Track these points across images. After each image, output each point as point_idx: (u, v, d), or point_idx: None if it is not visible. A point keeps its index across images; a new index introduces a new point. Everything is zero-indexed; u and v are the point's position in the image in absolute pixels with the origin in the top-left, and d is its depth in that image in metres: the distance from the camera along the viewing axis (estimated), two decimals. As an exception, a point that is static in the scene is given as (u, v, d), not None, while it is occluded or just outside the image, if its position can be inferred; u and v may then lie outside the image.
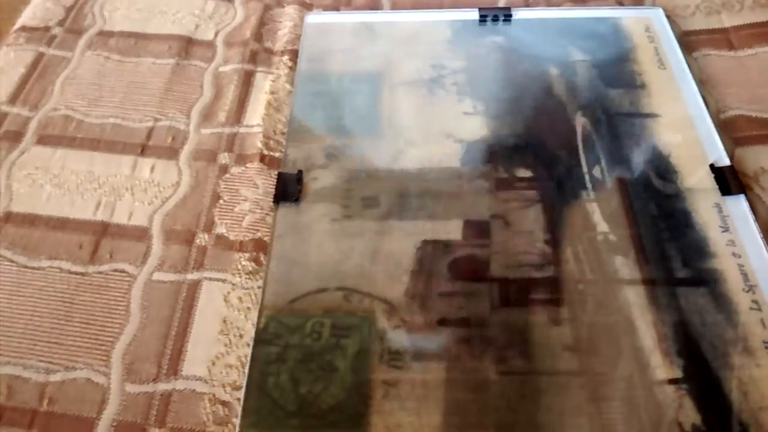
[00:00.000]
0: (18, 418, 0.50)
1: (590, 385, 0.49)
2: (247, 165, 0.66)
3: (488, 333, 0.52)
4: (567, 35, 0.76)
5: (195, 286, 0.57)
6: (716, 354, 0.50)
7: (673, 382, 0.49)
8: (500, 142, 0.65)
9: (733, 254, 0.56)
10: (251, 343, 0.53)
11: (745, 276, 0.55)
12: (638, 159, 0.63)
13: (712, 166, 0.62)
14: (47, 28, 0.80)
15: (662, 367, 0.50)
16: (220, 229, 0.61)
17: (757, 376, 0.49)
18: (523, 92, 0.70)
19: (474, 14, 0.79)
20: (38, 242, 0.60)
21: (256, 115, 0.70)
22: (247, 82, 0.74)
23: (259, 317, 0.54)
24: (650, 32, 0.76)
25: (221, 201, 0.63)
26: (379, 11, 0.82)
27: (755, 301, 0.53)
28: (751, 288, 0.54)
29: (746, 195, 0.60)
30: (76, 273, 0.58)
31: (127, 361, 0.53)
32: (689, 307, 0.53)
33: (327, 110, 0.69)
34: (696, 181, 0.61)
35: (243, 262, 0.58)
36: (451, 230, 0.59)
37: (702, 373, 0.49)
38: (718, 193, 0.60)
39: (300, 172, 0.63)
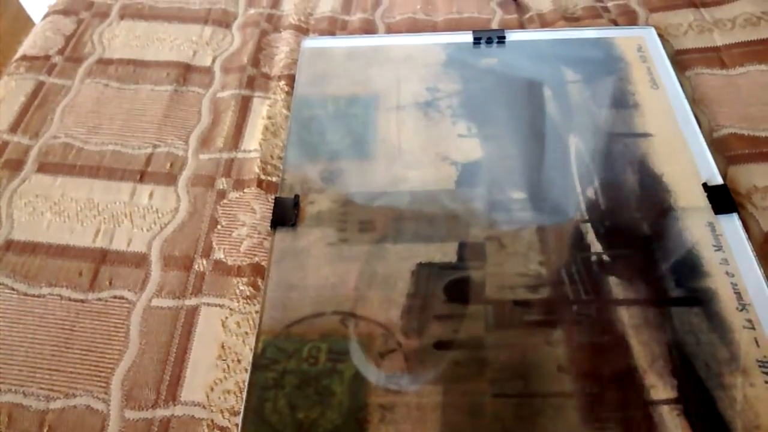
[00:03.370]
0: (18, 446, 0.51)
1: (585, 407, 0.49)
2: (245, 190, 0.66)
3: (483, 355, 0.52)
4: (560, 56, 0.77)
5: (193, 311, 0.58)
6: (711, 373, 0.51)
7: (667, 402, 0.49)
8: (495, 163, 0.66)
9: (727, 273, 0.56)
10: (249, 369, 0.53)
11: (738, 295, 0.55)
12: (631, 179, 0.64)
13: (705, 185, 0.63)
14: (47, 57, 0.81)
15: (657, 388, 0.50)
16: (218, 255, 0.61)
17: (752, 395, 0.49)
18: (517, 113, 0.70)
19: (468, 37, 0.80)
20: (38, 270, 0.61)
21: (253, 140, 0.71)
22: (244, 107, 0.75)
23: (257, 342, 0.54)
24: (643, 52, 0.77)
25: (219, 226, 0.64)
26: (374, 35, 0.83)
27: (749, 320, 0.53)
28: (744, 307, 0.54)
29: (739, 213, 0.61)
30: (76, 300, 0.59)
31: (127, 388, 0.53)
32: (683, 327, 0.53)
33: (323, 134, 0.70)
34: (689, 200, 0.62)
35: (241, 287, 0.59)
36: (447, 252, 0.59)
37: (697, 392, 0.50)
38: (711, 211, 0.61)
39: (297, 196, 0.64)
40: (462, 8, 0.87)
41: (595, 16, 0.84)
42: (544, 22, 0.84)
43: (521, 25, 0.84)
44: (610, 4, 0.86)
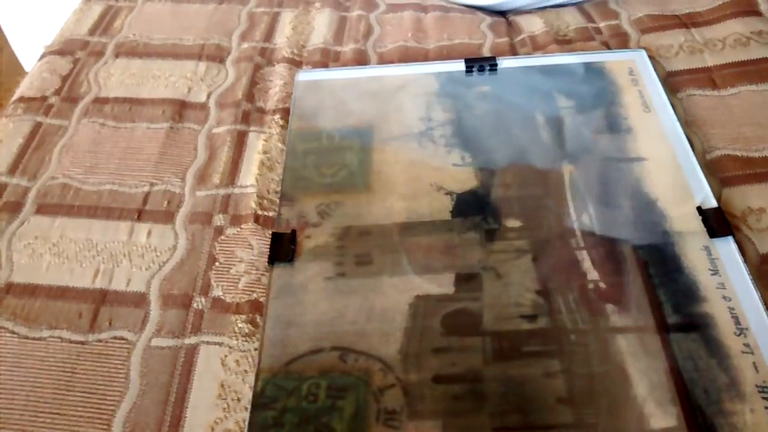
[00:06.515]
0: (20, 493, 0.51)
1: (585, 438, 0.49)
2: (242, 226, 0.67)
3: (482, 388, 0.52)
4: (552, 82, 0.77)
5: (193, 350, 0.58)
6: (710, 400, 0.51)
7: (668, 430, 0.49)
8: (489, 192, 0.66)
9: (724, 297, 0.56)
10: (249, 407, 0.53)
11: (736, 319, 0.55)
12: (626, 204, 0.64)
13: (699, 209, 0.63)
14: (44, 98, 0.82)
15: (656, 416, 0.50)
16: (217, 292, 0.62)
17: (751, 422, 0.49)
18: (510, 141, 0.71)
19: (460, 65, 0.80)
20: (39, 312, 0.61)
21: (249, 175, 0.71)
22: (240, 142, 0.75)
23: (256, 381, 0.54)
24: (634, 75, 0.77)
25: (217, 263, 0.64)
26: (367, 66, 0.84)
27: (747, 344, 0.53)
28: (742, 331, 0.54)
29: (734, 236, 0.61)
30: (77, 342, 0.59)
31: (128, 430, 0.53)
32: (681, 354, 0.53)
33: (319, 168, 0.70)
34: (684, 224, 0.62)
35: (239, 325, 0.59)
36: (443, 284, 0.59)
37: (697, 420, 0.50)
38: (707, 235, 0.61)
39: (293, 231, 0.64)
40: (453, 34, 0.88)
41: (587, 38, 0.85)
42: (536, 45, 0.84)
43: (513, 48, 0.85)
44: (602, 25, 0.87)
